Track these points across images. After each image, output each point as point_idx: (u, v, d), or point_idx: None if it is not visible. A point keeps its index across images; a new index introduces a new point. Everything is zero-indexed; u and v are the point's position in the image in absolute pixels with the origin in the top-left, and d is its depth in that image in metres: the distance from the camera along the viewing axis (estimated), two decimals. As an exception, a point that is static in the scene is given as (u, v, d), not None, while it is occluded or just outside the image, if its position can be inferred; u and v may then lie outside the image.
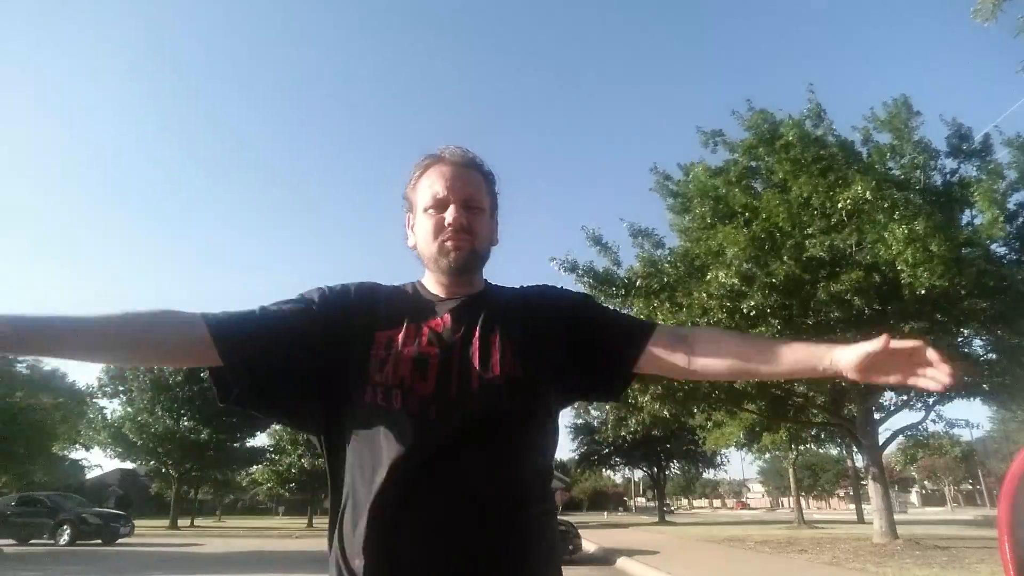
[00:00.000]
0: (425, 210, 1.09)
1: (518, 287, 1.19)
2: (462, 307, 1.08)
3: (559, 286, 1.21)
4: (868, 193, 9.63)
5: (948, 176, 11.52)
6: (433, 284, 1.14)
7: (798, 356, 0.98)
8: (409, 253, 1.18)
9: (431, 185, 1.09)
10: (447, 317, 1.06)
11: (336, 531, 1.01)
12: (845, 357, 0.94)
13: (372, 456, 0.97)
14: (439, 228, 1.07)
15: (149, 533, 23.72)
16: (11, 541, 16.08)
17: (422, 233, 1.10)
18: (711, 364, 1.02)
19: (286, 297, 1.07)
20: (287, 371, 1.00)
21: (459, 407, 0.97)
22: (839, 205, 10.04)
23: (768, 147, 11.49)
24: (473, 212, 1.08)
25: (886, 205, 9.63)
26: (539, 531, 1.00)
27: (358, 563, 0.93)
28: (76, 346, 0.90)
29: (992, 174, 10.14)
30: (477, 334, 1.03)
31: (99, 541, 16.28)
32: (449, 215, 1.06)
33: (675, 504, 68.73)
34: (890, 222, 9.50)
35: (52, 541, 16.03)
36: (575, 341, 1.08)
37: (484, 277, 1.18)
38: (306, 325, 1.02)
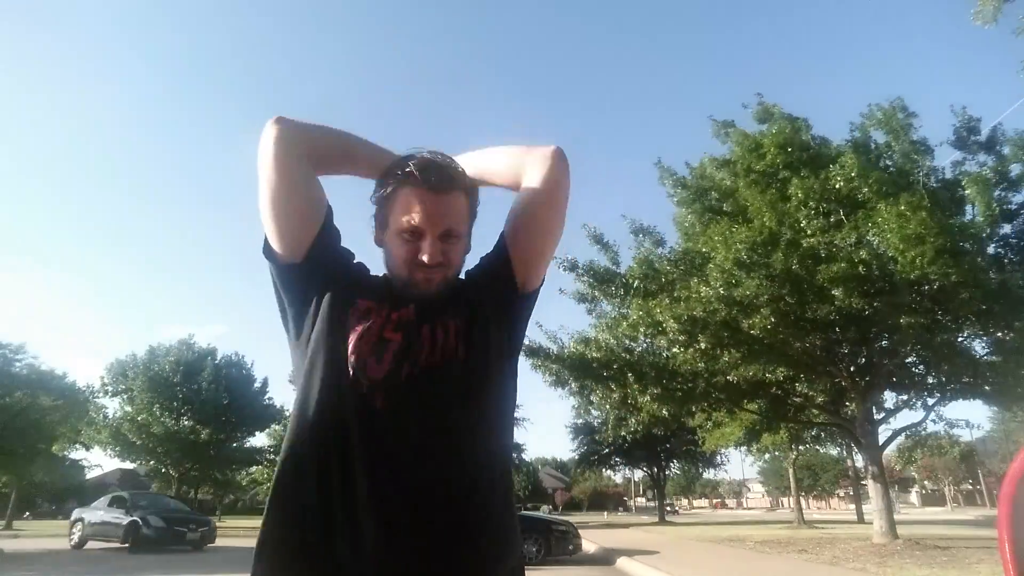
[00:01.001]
0: (399, 233, 1.04)
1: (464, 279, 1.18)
2: (426, 303, 1.06)
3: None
4: (855, 169, 9.72)
5: (945, 174, 11.57)
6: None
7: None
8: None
9: (406, 210, 1.03)
10: (412, 308, 1.05)
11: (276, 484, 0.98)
12: None
13: (313, 417, 0.97)
14: (412, 258, 1.03)
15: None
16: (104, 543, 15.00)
17: (394, 256, 1.07)
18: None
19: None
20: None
21: (404, 391, 0.97)
22: (830, 185, 10.16)
23: (754, 156, 11.58)
24: (450, 242, 1.05)
25: (871, 181, 9.73)
26: (487, 518, 0.98)
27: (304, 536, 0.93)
28: (362, 167, 1.16)
29: (985, 170, 10.20)
30: (439, 324, 1.04)
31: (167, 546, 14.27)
32: (425, 251, 1.02)
33: (677, 504, 68.68)
34: (880, 200, 9.57)
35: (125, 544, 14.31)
36: (496, 282, 1.13)
37: None
38: (325, 234, 1.09)
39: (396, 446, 0.95)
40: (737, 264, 10.22)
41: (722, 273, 10.36)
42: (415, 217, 1.01)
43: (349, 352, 0.98)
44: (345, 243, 1.16)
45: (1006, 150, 10.87)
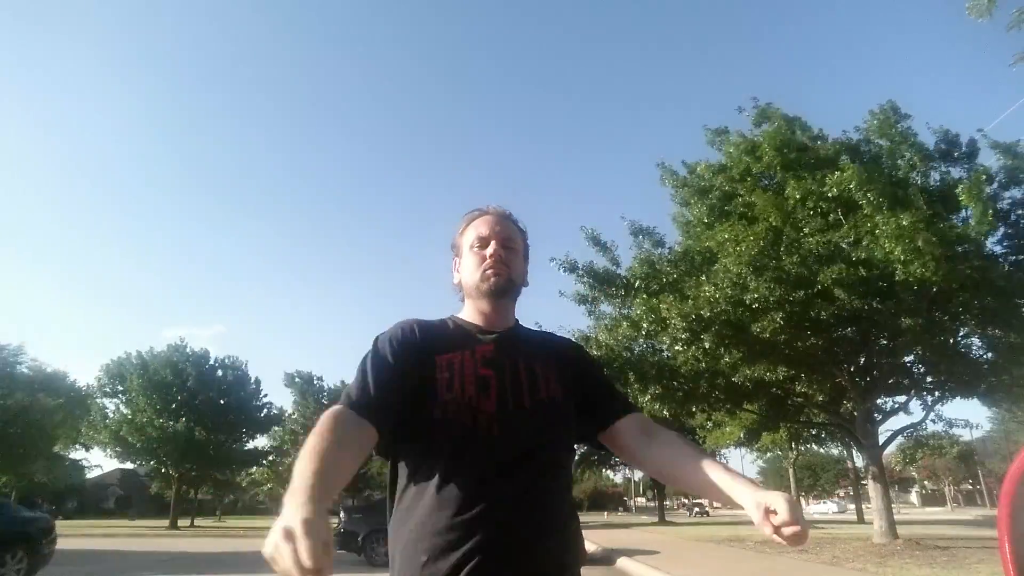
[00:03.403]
0: (471, 248, 1.30)
1: (535, 329, 1.40)
2: (502, 338, 1.26)
3: (568, 341, 1.43)
4: (854, 182, 9.69)
5: (942, 177, 11.60)
6: (473, 314, 1.31)
7: (719, 485, 1.07)
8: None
9: (476, 228, 1.31)
10: (491, 347, 1.23)
11: (401, 528, 1.12)
12: (748, 503, 1.00)
13: (446, 463, 1.10)
14: (482, 260, 1.27)
15: (148, 533, 23.74)
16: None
17: (468, 266, 1.30)
18: (656, 465, 1.22)
19: (380, 353, 1.20)
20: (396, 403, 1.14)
21: (516, 423, 1.14)
22: (826, 191, 10.15)
23: (752, 157, 11.60)
24: (510, 251, 1.30)
25: (870, 195, 9.69)
26: (576, 538, 1.19)
27: (445, 557, 1.05)
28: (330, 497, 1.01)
29: (978, 174, 10.18)
30: (522, 362, 1.22)
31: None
32: (490, 249, 1.27)
33: (676, 504, 68.62)
34: (877, 213, 9.56)
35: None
36: (580, 387, 1.28)
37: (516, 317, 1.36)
38: (399, 371, 1.16)
39: (508, 474, 1.11)
40: (750, 267, 10.23)
41: (730, 276, 10.36)
42: (483, 229, 1.30)
43: (457, 400, 1.14)
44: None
45: (992, 159, 10.99)
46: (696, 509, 54.20)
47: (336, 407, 1.07)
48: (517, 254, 1.32)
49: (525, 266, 1.36)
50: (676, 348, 11.59)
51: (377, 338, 1.23)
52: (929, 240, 8.91)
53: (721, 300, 10.43)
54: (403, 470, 1.17)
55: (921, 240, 8.89)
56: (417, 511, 1.10)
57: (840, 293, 9.99)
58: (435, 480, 1.10)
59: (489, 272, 1.26)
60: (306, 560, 0.71)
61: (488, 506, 1.06)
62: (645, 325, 11.66)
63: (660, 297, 11.28)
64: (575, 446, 1.29)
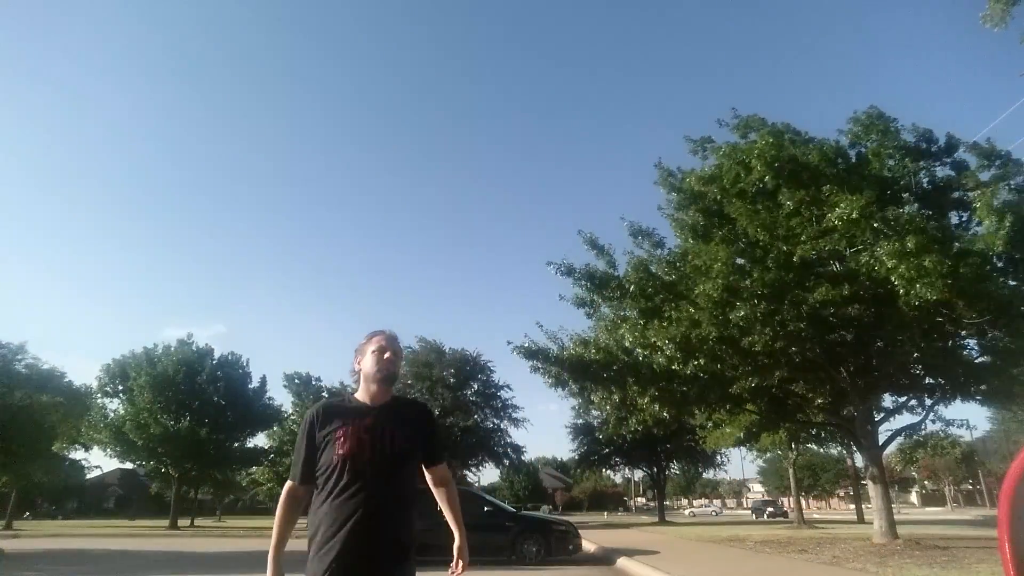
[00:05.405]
0: (372, 352, 2.15)
1: (406, 399, 2.33)
2: (380, 411, 2.09)
3: (425, 409, 2.29)
4: (855, 213, 9.65)
5: (930, 178, 11.60)
6: (364, 394, 2.14)
7: (452, 527, 2.15)
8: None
9: (378, 342, 2.18)
10: (370, 419, 2.05)
11: (315, 529, 1.98)
12: (455, 545, 2.12)
13: (340, 490, 1.96)
14: (379, 359, 2.13)
15: (148, 533, 23.72)
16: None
17: (368, 363, 2.14)
18: (439, 499, 2.22)
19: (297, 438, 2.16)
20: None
21: (380, 465, 1.98)
22: (830, 223, 10.13)
23: (742, 167, 11.57)
24: (396, 359, 2.18)
25: (875, 225, 9.65)
26: (411, 520, 2.04)
27: (338, 537, 1.90)
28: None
29: (992, 188, 10.03)
30: (387, 427, 2.04)
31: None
32: (386, 355, 2.14)
33: (676, 504, 68.64)
34: (880, 240, 9.51)
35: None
36: (421, 439, 2.15)
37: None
38: (312, 447, 2.07)
39: (374, 490, 1.97)
40: (726, 290, 10.29)
41: (710, 301, 10.41)
42: (383, 343, 2.17)
43: (346, 452, 1.98)
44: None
45: (972, 159, 10.96)
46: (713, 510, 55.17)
47: (289, 483, 2.08)
48: (401, 360, 2.23)
49: (400, 366, 2.28)
50: (673, 368, 11.58)
51: (304, 420, 2.10)
52: (935, 260, 8.85)
53: (705, 322, 10.50)
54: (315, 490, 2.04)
55: (928, 261, 8.83)
56: (323, 508, 1.97)
57: (835, 300, 9.97)
58: (335, 494, 1.95)
59: (383, 367, 2.11)
60: None
61: (362, 508, 1.91)
62: (640, 350, 11.73)
63: (647, 325, 11.37)
64: (416, 472, 2.15)
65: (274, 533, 2.02)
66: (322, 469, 1.99)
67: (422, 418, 2.19)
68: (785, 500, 49.20)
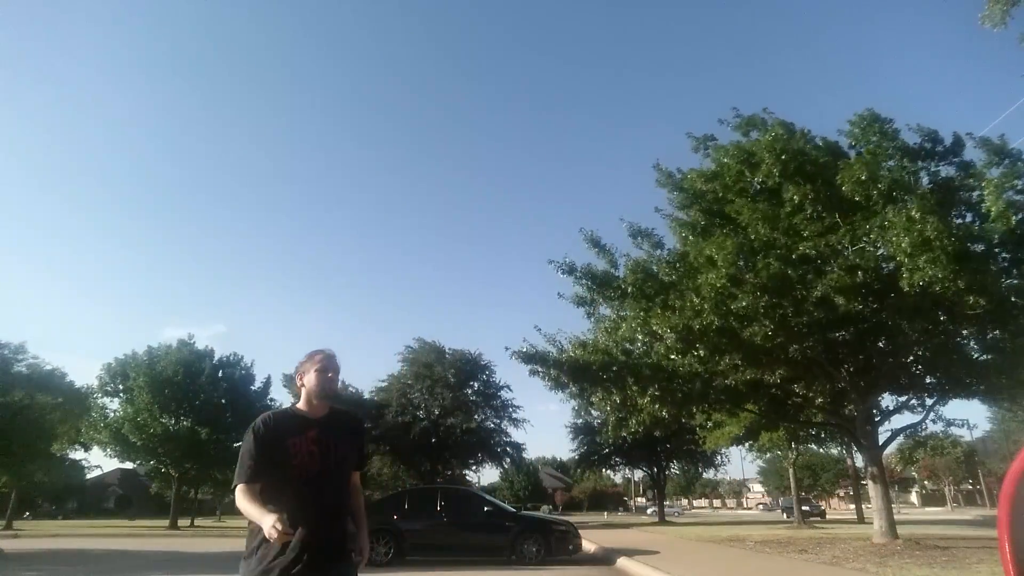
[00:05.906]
0: (315, 370, 2.36)
1: (342, 410, 2.49)
2: (322, 422, 2.33)
3: (358, 420, 2.58)
4: (864, 173, 9.70)
5: (931, 178, 11.60)
6: (306, 407, 2.36)
7: (357, 526, 2.43)
8: None
9: (321, 361, 2.38)
10: (315, 430, 2.29)
11: (260, 537, 2.15)
12: (360, 543, 2.42)
13: (295, 495, 2.16)
14: (322, 379, 2.35)
15: (148, 533, 23.73)
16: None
17: (311, 380, 2.35)
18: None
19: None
20: (267, 469, 2.24)
21: (327, 473, 2.25)
22: (843, 188, 10.10)
23: (747, 165, 11.57)
24: (336, 378, 2.41)
25: (881, 186, 9.69)
26: (347, 514, 2.35)
27: (295, 535, 2.05)
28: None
29: (1011, 173, 9.97)
30: (331, 438, 2.31)
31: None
32: (328, 373, 2.37)
33: (675, 505, 68.57)
34: (888, 205, 9.54)
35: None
36: (355, 447, 2.46)
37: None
38: (260, 451, 2.22)
39: (324, 491, 2.25)
40: (730, 280, 10.29)
41: (714, 291, 10.41)
42: (325, 362, 2.38)
43: (300, 464, 2.22)
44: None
45: (979, 155, 10.97)
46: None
47: (240, 484, 2.16)
48: (338, 376, 2.43)
49: (339, 383, 2.51)
50: (671, 358, 11.58)
51: (249, 430, 2.26)
52: (938, 227, 8.81)
53: (708, 310, 10.49)
54: (269, 491, 2.17)
55: (931, 228, 8.80)
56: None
57: (839, 299, 9.97)
58: (284, 500, 2.12)
59: (326, 384, 2.35)
60: (281, 527, 1.89)
61: (313, 505, 2.15)
62: (640, 337, 11.71)
63: (651, 311, 11.33)
64: (355, 472, 2.48)
65: (253, 509, 2.07)
66: (272, 477, 2.16)
67: (357, 430, 2.52)
68: (820, 501, 49.55)
